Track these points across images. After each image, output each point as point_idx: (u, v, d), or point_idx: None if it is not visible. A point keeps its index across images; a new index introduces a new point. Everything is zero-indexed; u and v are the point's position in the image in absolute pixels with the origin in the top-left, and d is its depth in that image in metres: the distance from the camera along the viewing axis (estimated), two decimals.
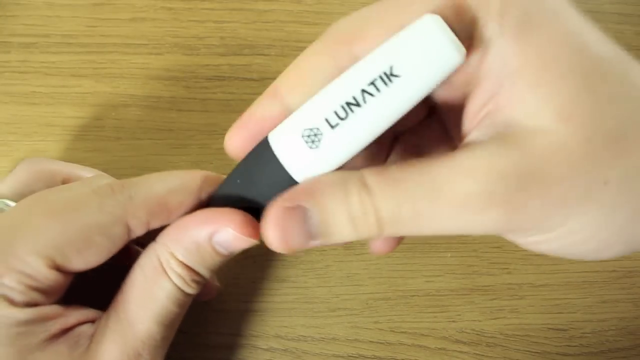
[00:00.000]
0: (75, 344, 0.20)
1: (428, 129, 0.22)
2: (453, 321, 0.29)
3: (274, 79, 0.19)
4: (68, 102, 0.32)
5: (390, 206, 0.16)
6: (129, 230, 0.20)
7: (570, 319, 0.30)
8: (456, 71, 0.16)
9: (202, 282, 0.21)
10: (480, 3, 0.16)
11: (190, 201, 0.21)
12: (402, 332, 0.29)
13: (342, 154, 0.17)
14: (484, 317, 0.29)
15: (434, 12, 0.16)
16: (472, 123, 0.17)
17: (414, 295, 0.30)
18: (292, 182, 0.17)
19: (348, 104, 0.16)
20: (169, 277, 0.20)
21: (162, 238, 0.21)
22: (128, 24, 0.34)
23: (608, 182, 0.15)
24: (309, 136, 0.16)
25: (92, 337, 0.20)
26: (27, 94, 0.32)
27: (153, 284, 0.20)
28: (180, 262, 0.20)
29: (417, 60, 0.15)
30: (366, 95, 0.16)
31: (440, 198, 0.16)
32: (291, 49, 0.35)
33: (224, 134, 0.20)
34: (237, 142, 0.19)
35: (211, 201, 0.21)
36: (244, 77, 0.34)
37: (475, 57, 0.16)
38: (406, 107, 0.16)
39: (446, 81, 0.16)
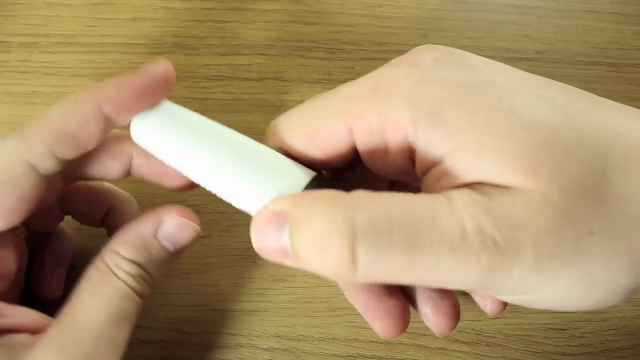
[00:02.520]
0: (7, 353, 0.19)
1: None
2: None
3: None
4: None
5: (374, 223, 0.15)
6: (35, 169, 0.19)
7: (570, 319, 0.30)
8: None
9: (152, 283, 0.21)
10: (389, 115, 0.17)
11: (92, 116, 0.19)
12: None
13: None
14: (484, 317, 0.29)
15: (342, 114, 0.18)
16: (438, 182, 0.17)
17: None
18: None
19: None
20: (117, 276, 0.20)
21: (107, 245, 0.21)
22: (128, 24, 0.34)
23: (593, 232, 0.15)
24: None
25: (31, 350, 0.19)
26: (27, 94, 0.32)
27: (102, 286, 0.20)
28: (128, 259, 0.20)
29: None
30: None
31: (436, 234, 0.14)
32: (291, 49, 0.35)
33: None
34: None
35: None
36: (244, 77, 0.34)
37: (400, 158, 0.17)
38: None
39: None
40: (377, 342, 0.29)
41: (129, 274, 0.20)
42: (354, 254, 0.14)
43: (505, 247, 0.14)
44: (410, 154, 0.17)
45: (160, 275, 0.22)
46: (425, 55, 0.18)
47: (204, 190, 0.20)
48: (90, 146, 0.20)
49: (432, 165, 0.17)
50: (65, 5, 0.34)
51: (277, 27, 0.35)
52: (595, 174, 0.15)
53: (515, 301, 0.17)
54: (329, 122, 0.18)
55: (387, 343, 0.29)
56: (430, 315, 0.20)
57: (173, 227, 0.21)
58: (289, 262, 0.16)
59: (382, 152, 0.18)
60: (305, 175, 0.18)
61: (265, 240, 0.16)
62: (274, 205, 0.16)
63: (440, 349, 0.29)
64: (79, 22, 0.34)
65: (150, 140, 0.20)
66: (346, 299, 0.29)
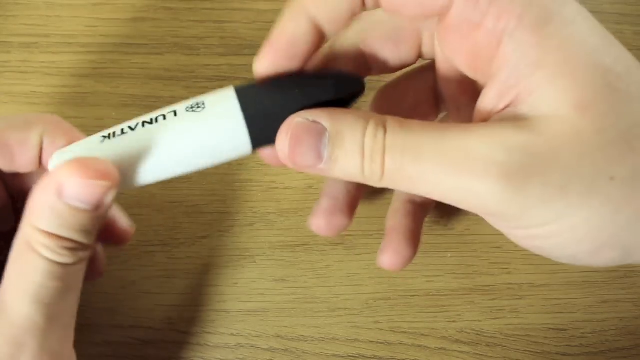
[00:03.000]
0: None
1: None
2: (453, 321, 0.29)
3: None
4: (68, 102, 0.32)
5: (397, 150, 0.16)
6: None
7: (570, 319, 0.30)
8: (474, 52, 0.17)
9: (80, 248, 0.19)
10: None
11: (32, 139, 0.19)
12: (402, 332, 0.29)
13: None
14: (484, 317, 0.29)
15: None
16: (485, 115, 0.18)
17: (414, 295, 0.30)
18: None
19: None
20: (36, 252, 0.18)
21: (25, 211, 0.19)
22: (128, 24, 0.34)
23: (614, 178, 0.15)
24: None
25: None
26: (27, 94, 0.32)
27: (22, 263, 0.19)
28: (43, 231, 0.18)
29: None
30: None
31: (445, 154, 0.16)
32: None
33: None
34: (268, 64, 0.19)
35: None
36: (244, 77, 0.34)
37: (486, 50, 0.17)
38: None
39: (457, 80, 0.19)
40: (377, 342, 0.29)
41: (48, 247, 0.18)
42: (383, 165, 0.17)
43: (515, 174, 0.15)
44: (490, 49, 0.17)
45: (93, 233, 0.20)
46: None
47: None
48: (23, 169, 0.20)
49: (505, 69, 0.17)
50: (65, 5, 0.34)
51: None
52: None
53: (522, 240, 0.18)
54: None
55: (387, 343, 0.29)
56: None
57: (77, 186, 0.18)
58: (317, 170, 0.18)
59: (468, 30, 0.18)
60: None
61: (300, 149, 0.17)
62: (310, 114, 0.17)
63: (440, 349, 0.29)
64: (79, 22, 0.34)
65: None
66: (346, 299, 0.29)
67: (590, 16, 0.17)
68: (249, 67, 0.34)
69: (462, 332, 0.29)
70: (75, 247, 0.19)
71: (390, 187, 0.17)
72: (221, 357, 0.28)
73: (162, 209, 0.30)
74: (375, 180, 0.17)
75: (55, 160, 0.20)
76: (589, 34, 0.16)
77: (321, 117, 0.17)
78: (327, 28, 0.19)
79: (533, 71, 0.16)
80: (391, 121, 0.17)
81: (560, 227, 0.16)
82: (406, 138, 0.16)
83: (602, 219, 0.16)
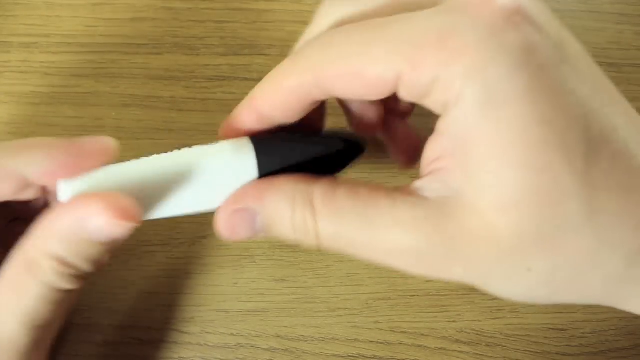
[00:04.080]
0: None
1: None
2: (453, 321, 0.29)
3: None
4: (68, 102, 0.32)
5: (330, 232, 0.17)
6: None
7: (570, 319, 0.30)
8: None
9: (84, 275, 0.19)
10: (445, 63, 0.15)
11: (10, 170, 0.19)
12: (402, 332, 0.29)
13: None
14: (484, 317, 0.29)
15: (393, 56, 0.16)
16: (428, 166, 0.17)
17: (414, 295, 0.30)
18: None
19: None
20: (37, 275, 0.18)
21: (32, 232, 0.19)
22: (128, 24, 0.34)
23: (531, 270, 0.16)
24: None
25: None
26: (27, 94, 0.32)
27: (19, 284, 0.18)
28: (53, 256, 0.18)
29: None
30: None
31: (375, 240, 0.17)
32: (291, 49, 0.35)
33: None
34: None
35: None
36: (244, 77, 0.34)
37: (438, 106, 0.17)
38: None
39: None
40: (377, 342, 0.29)
41: (55, 271, 0.18)
42: (318, 239, 0.18)
43: (435, 263, 0.17)
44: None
45: (100, 262, 0.20)
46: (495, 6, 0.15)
47: None
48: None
49: (440, 140, 0.17)
50: (65, 5, 0.34)
51: (277, 27, 0.35)
52: (571, 226, 0.15)
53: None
54: (380, 62, 0.16)
55: (387, 343, 0.29)
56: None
57: (103, 222, 0.18)
58: (257, 237, 0.19)
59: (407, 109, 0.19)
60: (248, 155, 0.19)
61: (237, 235, 0.19)
62: (239, 201, 0.19)
63: (440, 349, 0.29)
64: (79, 22, 0.34)
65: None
66: (346, 299, 0.29)
67: (568, 69, 0.15)
68: (249, 67, 0.34)
69: (462, 332, 0.29)
70: (80, 274, 0.19)
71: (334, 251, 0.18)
72: (221, 357, 0.28)
73: None
74: (318, 249, 0.18)
75: (66, 191, 0.19)
76: (539, 117, 0.15)
77: (249, 202, 0.18)
78: (284, 121, 0.20)
79: (465, 154, 0.16)
80: (317, 200, 0.17)
81: (482, 285, 0.18)
82: (336, 224, 0.17)
83: (519, 293, 0.17)
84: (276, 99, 0.19)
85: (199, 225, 0.30)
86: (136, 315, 0.28)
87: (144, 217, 0.20)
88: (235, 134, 0.20)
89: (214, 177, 0.19)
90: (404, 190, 0.17)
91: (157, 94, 0.33)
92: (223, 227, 0.19)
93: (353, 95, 0.17)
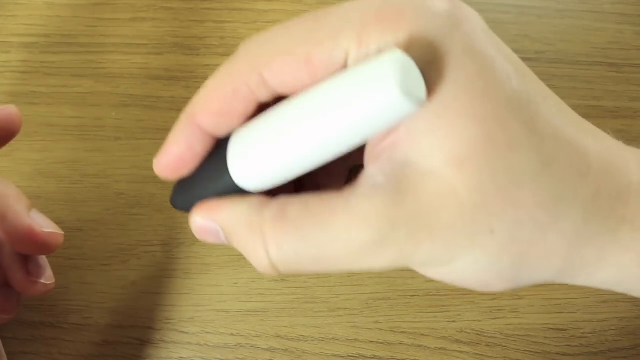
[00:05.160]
0: None
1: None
2: (453, 321, 0.29)
3: None
4: (68, 102, 0.32)
5: (288, 255, 0.17)
6: None
7: (570, 319, 0.30)
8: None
9: None
10: (387, 33, 0.15)
11: None
12: (402, 332, 0.29)
13: (275, 176, 0.17)
14: (484, 317, 0.29)
15: (340, 36, 0.15)
16: (373, 152, 0.17)
17: (414, 295, 0.30)
18: (236, 189, 0.18)
19: (289, 133, 0.16)
20: None
21: None
22: (128, 24, 0.34)
23: (494, 231, 0.15)
24: (247, 150, 0.17)
25: None
26: (27, 94, 0.32)
27: None
28: None
29: (367, 106, 0.15)
30: (307, 127, 0.16)
31: (337, 245, 0.16)
32: None
33: None
34: (164, 168, 0.19)
35: (173, 192, 0.21)
36: None
37: None
38: (344, 146, 0.16)
39: None
40: (377, 342, 0.29)
41: None
42: (273, 267, 0.17)
43: (400, 245, 0.16)
44: None
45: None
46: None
47: None
48: None
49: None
50: (65, 5, 0.34)
51: None
52: (527, 175, 0.15)
53: (431, 275, 0.18)
54: (327, 44, 0.16)
55: (387, 343, 0.29)
56: None
57: None
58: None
59: None
60: None
61: (207, 239, 0.19)
62: (204, 214, 0.19)
63: (440, 349, 0.29)
64: (79, 22, 0.34)
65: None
66: (346, 299, 0.29)
67: (485, 38, 0.16)
68: None
69: (462, 332, 0.29)
70: None
71: (292, 273, 0.18)
72: (221, 357, 0.28)
73: (162, 209, 0.30)
74: (277, 274, 0.18)
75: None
76: (478, 70, 0.15)
77: (210, 218, 0.18)
78: (225, 132, 0.19)
79: (412, 120, 0.15)
80: (267, 224, 0.17)
81: (453, 269, 0.17)
82: (293, 245, 0.17)
83: (485, 266, 0.16)
84: (219, 107, 0.18)
85: None
86: (136, 315, 0.28)
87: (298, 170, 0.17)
88: (177, 165, 0.19)
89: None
90: (355, 185, 0.16)
91: (157, 94, 0.33)
92: (195, 230, 0.19)
93: (302, 88, 0.17)
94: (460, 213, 0.15)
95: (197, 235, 0.19)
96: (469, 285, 0.18)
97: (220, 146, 0.18)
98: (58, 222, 0.24)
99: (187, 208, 0.20)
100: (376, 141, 0.17)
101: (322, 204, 0.16)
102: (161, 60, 0.33)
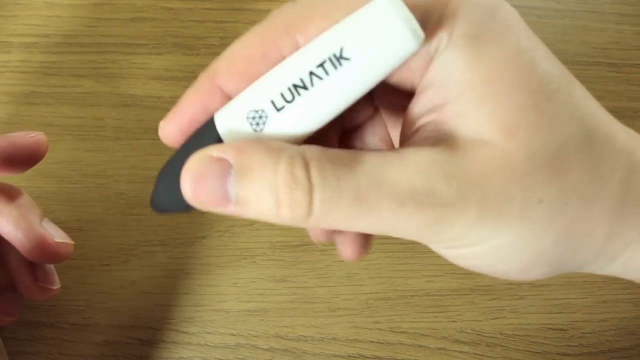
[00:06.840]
0: None
1: (373, 131, 0.21)
2: (453, 321, 0.29)
3: None
4: (68, 102, 0.32)
5: (329, 187, 0.14)
6: None
7: (570, 319, 0.30)
8: (405, 66, 0.15)
9: None
10: (433, 7, 0.15)
11: None
12: (402, 332, 0.29)
13: (286, 139, 0.16)
14: (484, 317, 0.29)
15: None
16: (412, 129, 0.17)
17: (414, 295, 0.30)
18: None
19: (295, 86, 0.15)
20: None
21: None
22: (128, 24, 0.34)
23: (543, 201, 0.15)
24: (253, 118, 0.16)
25: None
26: (27, 94, 0.32)
27: None
28: None
29: (370, 43, 0.14)
30: (314, 78, 0.15)
31: (385, 188, 0.15)
32: None
33: None
34: (173, 130, 0.17)
35: (155, 186, 0.18)
36: None
37: (418, 62, 0.16)
38: (356, 93, 0.15)
39: (389, 85, 0.16)
40: (377, 342, 0.29)
41: None
42: (310, 204, 0.14)
43: (450, 203, 0.15)
44: (423, 67, 0.16)
45: None
46: None
47: None
48: None
49: (431, 88, 0.16)
50: (65, 5, 0.34)
51: None
52: (572, 146, 0.16)
53: (454, 258, 0.18)
54: (315, 21, 0.16)
55: (387, 343, 0.29)
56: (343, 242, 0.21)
57: None
58: (227, 211, 0.15)
59: None
60: None
61: (203, 188, 0.15)
62: (214, 150, 0.15)
63: (440, 349, 0.29)
64: (79, 22, 0.34)
65: None
66: (346, 299, 0.29)
67: (522, 25, 0.16)
68: None
69: (462, 332, 0.29)
70: None
71: (315, 226, 0.15)
72: (221, 357, 0.28)
73: None
74: (299, 223, 0.15)
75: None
76: (518, 51, 0.16)
77: (227, 151, 0.15)
78: None
79: (460, 93, 0.15)
80: (310, 151, 0.15)
81: (489, 248, 0.16)
82: (337, 172, 0.14)
83: (531, 240, 0.16)
84: (245, 69, 0.16)
85: (199, 225, 0.30)
86: (136, 315, 0.28)
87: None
88: (188, 128, 0.17)
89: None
90: (402, 148, 0.16)
91: (157, 94, 0.33)
92: (188, 180, 0.15)
93: None
94: (514, 178, 0.15)
95: (188, 188, 0.15)
96: (503, 271, 0.17)
97: (206, 129, 0.17)
98: (58, 222, 0.24)
99: (173, 204, 0.17)
100: (414, 118, 0.17)
101: (369, 152, 0.15)
102: (161, 60, 0.33)
